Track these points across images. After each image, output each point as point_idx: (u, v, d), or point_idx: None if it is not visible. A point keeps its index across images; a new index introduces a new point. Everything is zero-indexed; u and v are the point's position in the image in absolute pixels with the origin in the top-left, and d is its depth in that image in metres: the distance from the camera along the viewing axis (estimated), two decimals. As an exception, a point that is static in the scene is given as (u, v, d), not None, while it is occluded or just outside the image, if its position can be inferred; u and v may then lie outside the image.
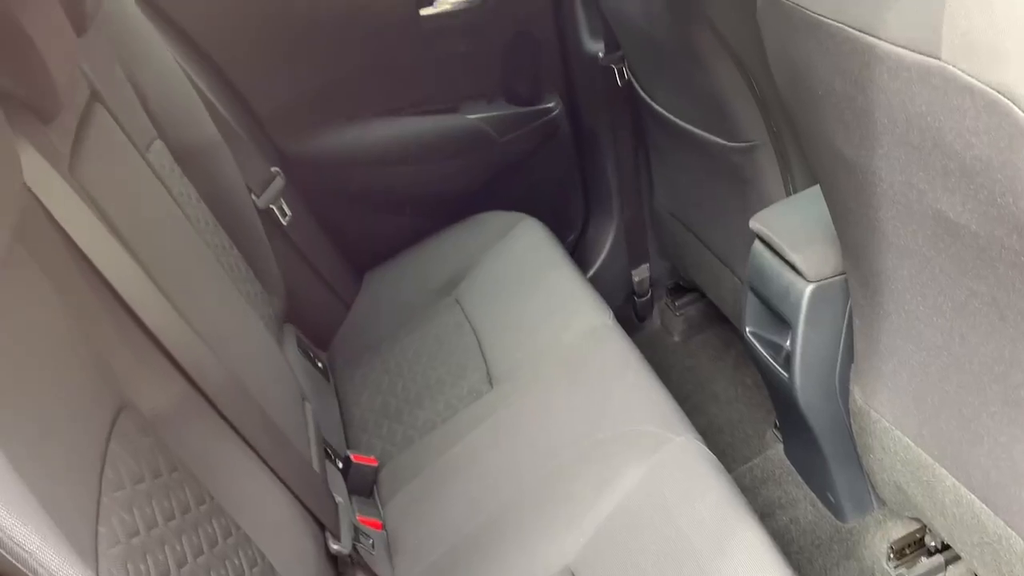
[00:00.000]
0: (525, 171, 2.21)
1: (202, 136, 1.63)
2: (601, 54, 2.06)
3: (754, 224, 1.39)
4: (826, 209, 1.18)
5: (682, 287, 2.34)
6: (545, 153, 2.21)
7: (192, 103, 1.64)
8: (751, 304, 1.47)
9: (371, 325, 1.95)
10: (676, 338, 2.34)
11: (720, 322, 2.23)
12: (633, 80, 1.95)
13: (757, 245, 1.41)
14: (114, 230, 1.03)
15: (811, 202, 1.35)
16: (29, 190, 0.93)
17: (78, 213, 0.98)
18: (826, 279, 1.30)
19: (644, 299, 2.36)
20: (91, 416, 0.89)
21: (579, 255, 2.29)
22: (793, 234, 1.34)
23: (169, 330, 1.08)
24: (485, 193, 2.16)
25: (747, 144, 1.59)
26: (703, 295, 2.19)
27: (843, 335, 1.34)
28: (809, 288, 1.31)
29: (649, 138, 2.09)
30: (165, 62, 1.61)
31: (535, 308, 1.69)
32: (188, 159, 1.55)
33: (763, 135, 1.56)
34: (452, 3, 2.04)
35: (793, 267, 1.33)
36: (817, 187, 1.33)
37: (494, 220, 1.99)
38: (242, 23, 1.88)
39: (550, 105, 2.18)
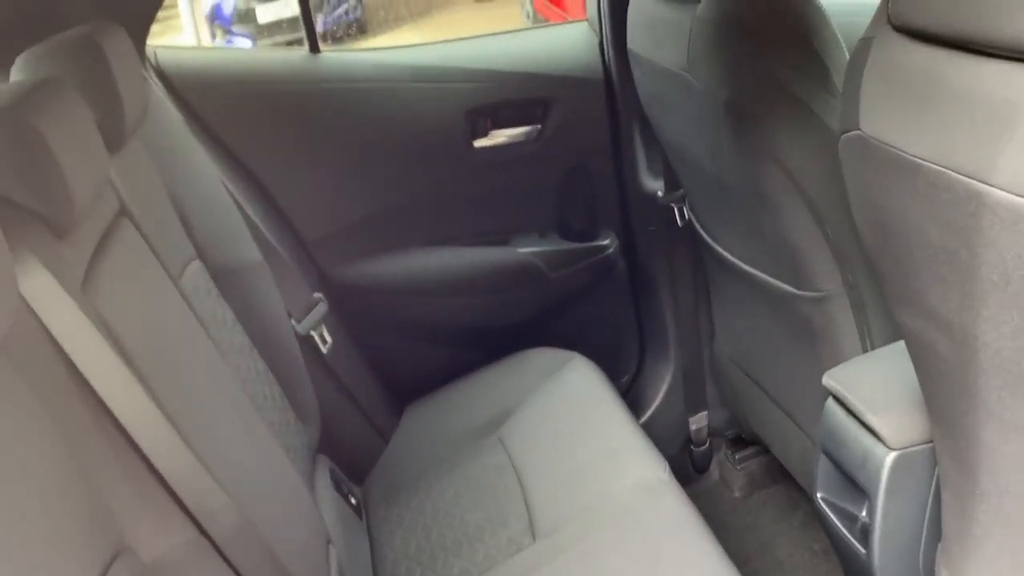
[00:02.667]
0: (577, 308, 2.19)
1: (243, 258, 1.62)
2: (660, 192, 2.05)
3: (828, 381, 1.31)
4: (911, 369, 1.08)
5: (744, 439, 2.25)
6: (599, 291, 2.19)
7: (235, 224, 1.63)
8: (823, 468, 1.37)
9: (409, 461, 1.89)
10: (736, 493, 2.25)
11: (785, 479, 2.15)
12: (694, 220, 1.92)
13: (831, 404, 1.31)
14: (124, 355, 0.97)
15: (893, 360, 1.27)
16: (28, 307, 0.87)
17: (83, 335, 0.91)
18: (910, 447, 1.20)
19: (702, 449, 2.29)
20: (81, 563, 0.80)
21: (633, 398, 2.24)
22: (872, 395, 1.25)
23: (178, 468, 1.00)
24: (534, 329, 2.14)
25: (819, 294, 1.52)
26: (767, 449, 2.09)
27: (928, 510, 1.23)
28: (891, 456, 1.20)
29: (710, 281, 2.05)
30: (209, 181, 1.61)
31: (584, 455, 1.62)
32: (227, 280, 1.53)
33: (837, 285, 1.49)
34: (507, 136, 2.07)
35: (872, 432, 1.23)
36: (900, 344, 1.24)
37: (543, 358, 1.95)
38: (293, 147, 1.91)
39: (605, 242, 2.17)
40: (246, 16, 6.49)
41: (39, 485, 0.79)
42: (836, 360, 1.40)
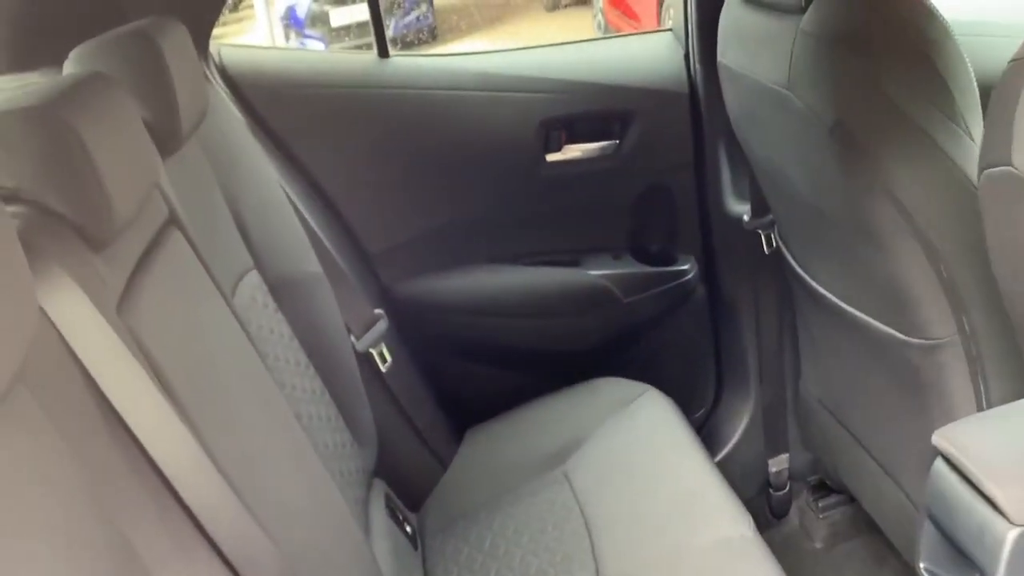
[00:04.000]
0: (651, 337, 2.11)
1: (303, 270, 1.56)
2: (746, 217, 1.95)
3: (939, 440, 1.18)
4: (1043, 435, 0.95)
5: (828, 485, 2.13)
6: (675, 319, 2.10)
7: (295, 233, 1.57)
8: (928, 535, 1.23)
9: (469, 490, 1.82)
10: (818, 544, 2.13)
11: (871, 531, 1.99)
12: (784, 249, 1.80)
13: (941, 466, 1.18)
14: (162, 384, 0.88)
15: (1017, 421, 1.15)
16: (55, 328, 0.78)
17: (116, 361, 0.82)
18: None
19: (781, 493, 2.18)
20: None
21: (707, 435, 2.13)
22: (993, 461, 1.11)
23: (217, 510, 0.91)
24: (605, 357, 2.05)
25: (930, 342, 1.39)
26: (852, 498, 1.97)
27: (1056, 595, 1.10)
28: (1013, 533, 1.07)
29: (799, 315, 1.93)
30: (270, 187, 1.55)
31: (658, 502, 1.51)
32: (285, 293, 1.48)
33: (952, 333, 1.36)
34: (583, 150, 2.00)
35: (991, 502, 1.10)
36: (1024, 403, 1.13)
37: (613, 388, 1.86)
38: (358, 154, 1.86)
39: (684, 267, 2.08)
40: (320, 19, 6.53)
41: (60, 529, 0.71)
42: (946, 416, 1.29)
